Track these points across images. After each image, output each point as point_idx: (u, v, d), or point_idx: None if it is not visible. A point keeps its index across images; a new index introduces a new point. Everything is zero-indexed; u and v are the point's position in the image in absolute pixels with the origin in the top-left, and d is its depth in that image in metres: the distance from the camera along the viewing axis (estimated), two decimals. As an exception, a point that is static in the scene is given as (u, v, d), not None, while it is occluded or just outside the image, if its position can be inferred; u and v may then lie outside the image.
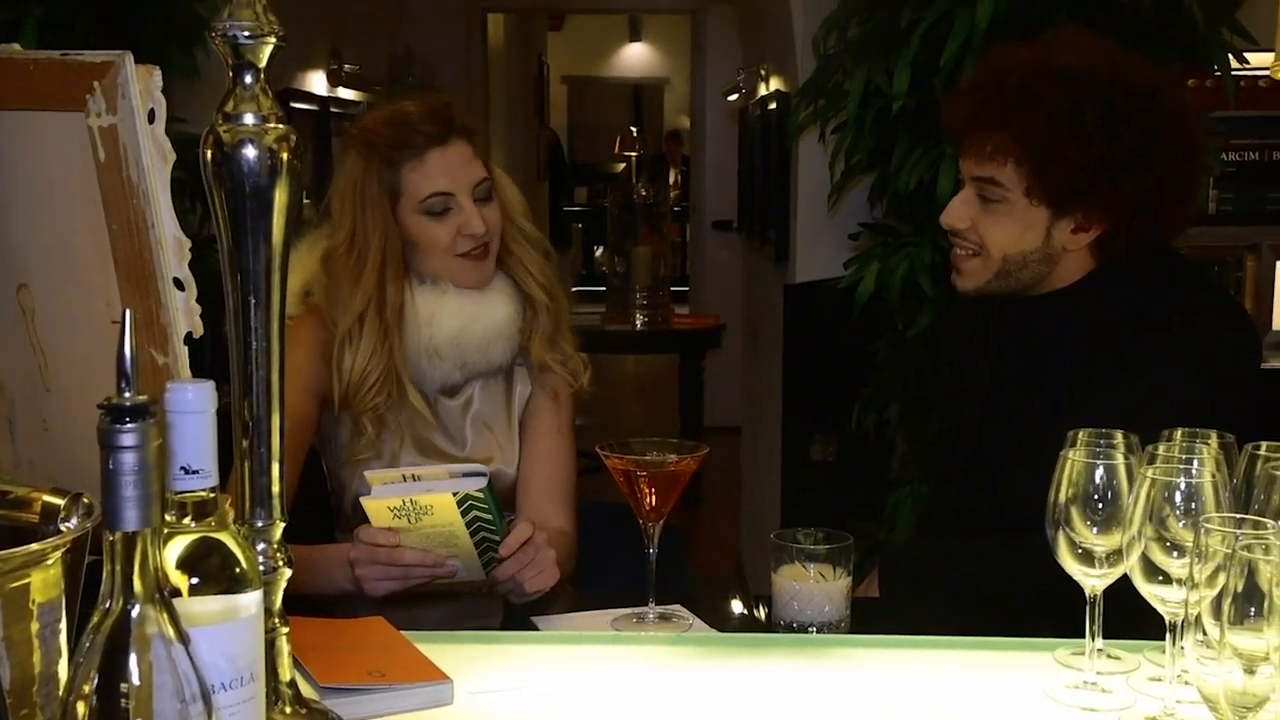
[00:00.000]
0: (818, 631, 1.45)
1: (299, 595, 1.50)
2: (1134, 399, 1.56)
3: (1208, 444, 1.25)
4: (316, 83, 4.56)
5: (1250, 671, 0.89)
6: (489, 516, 1.59)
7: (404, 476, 1.61)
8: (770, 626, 1.49)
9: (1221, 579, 0.92)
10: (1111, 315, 1.66)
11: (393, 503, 1.57)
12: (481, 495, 1.57)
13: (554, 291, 1.97)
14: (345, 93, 4.84)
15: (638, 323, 5.77)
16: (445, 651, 1.35)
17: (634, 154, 10.54)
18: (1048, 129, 1.58)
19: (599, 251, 11.43)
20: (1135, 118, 1.59)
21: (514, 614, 1.63)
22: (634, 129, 11.41)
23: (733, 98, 6.52)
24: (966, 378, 1.85)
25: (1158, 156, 1.60)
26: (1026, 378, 1.73)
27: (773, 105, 4.52)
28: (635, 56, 13.47)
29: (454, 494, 1.56)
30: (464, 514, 1.57)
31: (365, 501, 1.60)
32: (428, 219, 1.85)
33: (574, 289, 9.70)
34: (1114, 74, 1.61)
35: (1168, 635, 1.19)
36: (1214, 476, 1.13)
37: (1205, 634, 0.95)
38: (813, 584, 1.47)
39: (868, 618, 1.51)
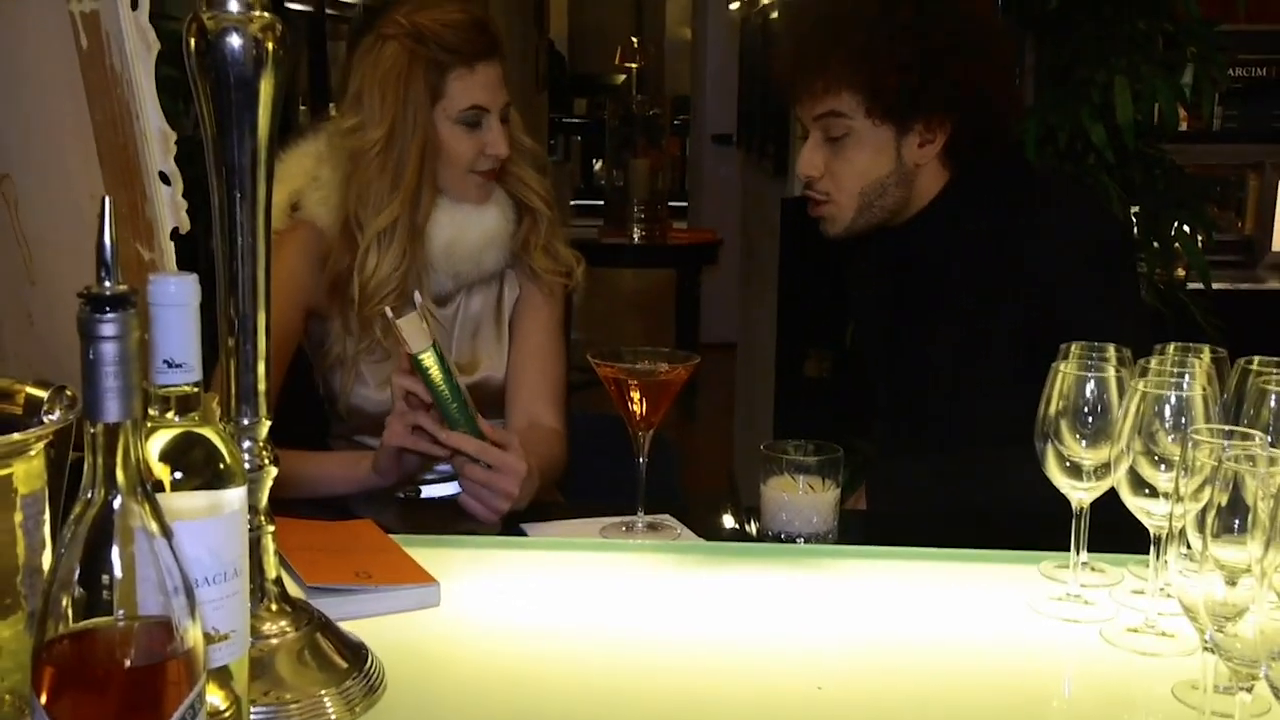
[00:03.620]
0: (805, 542, 1.46)
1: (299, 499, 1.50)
2: (1033, 298, 1.64)
3: (1200, 358, 1.25)
4: (311, -16, 4.46)
5: (1231, 583, 0.89)
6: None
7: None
8: (759, 537, 1.50)
9: (1207, 492, 0.92)
10: (982, 222, 1.72)
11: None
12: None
13: (551, 201, 1.98)
14: (340, -6, 4.74)
15: (635, 236, 5.74)
16: (433, 555, 1.36)
17: (634, 65, 10.39)
18: (867, 43, 1.65)
19: (597, 164, 11.33)
20: (941, 14, 1.67)
21: (504, 521, 1.64)
22: (635, 39, 11.23)
23: (734, 6, 6.43)
24: (876, 315, 1.90)
25: (973, 45, 1.68)
26: (924, 303, 1.78)
27: (775, 15, 4.45)
28: (637, -35, 13.24)
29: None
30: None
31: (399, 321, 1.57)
32: (460, 130, 1.83)
33: (571, 202, 9.64)
34: None
35: (1152, 549, 1.19)
36: (1204, 390, 1.13)
37: (1189, 547, 0.95)
38: (801, 495, 1.47)
39: (855, 529, 1.52)
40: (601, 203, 6.60)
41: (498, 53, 1.86)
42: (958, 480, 1.68)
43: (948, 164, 1.73)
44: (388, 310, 1.63)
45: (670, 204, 6.17)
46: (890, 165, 1.71)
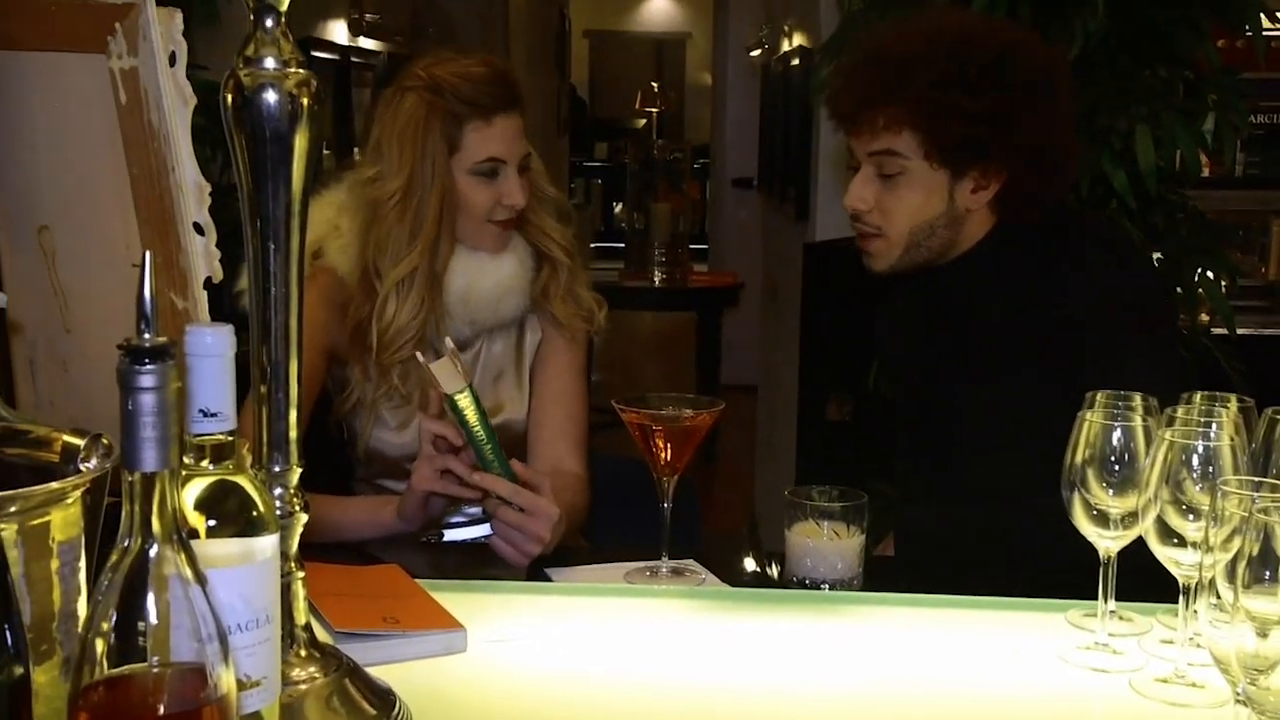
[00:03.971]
0: (830, 589, 1.46)
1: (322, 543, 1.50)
2: (1067, 346, 1.62)
3: (1227, 407, 1.24)
4: (337, 32, 4.53)
5: (1263, 634, 0.89)
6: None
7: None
8: (783, 583, 1.50)
9: (1237, 542, 0.92)
10: (1024, 267, 1.70)
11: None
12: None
13: (572, 251, 1.99)
14: (366, 42, 4.80)
15: (656, 279, 5.75)
16: (460, 600, 1.36)
17: (655, 110, 10.46)
18: (935, 90, 1.62)
19: (618, 207, 11.38)
20: (1012, 69, 1.64)
21: (529, 566, 1.64)
22: (655, 84, 11.32)
23: (755, 53, 6.48)
24: (906, 356, 1.88)
25: (1039, 102, 1.65)
26: (958, 346, 1.77)
27: (795, 61, 4.49)
28: (657, 10, 13.36)
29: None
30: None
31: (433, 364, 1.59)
32: (476, 180, 1.85)
33: (592, 245, 9.68)
34: (985, 33, 1.68)
35: (1181, 598, 1.19)
36: (1232, 440, 1.13)
37: (1219, 597, 0.95)
38: (826, 541, 1.47)
39: (881, 576, 1.51)
40: (622, 245, 6.61)
41: (517, 105, 1.87)
42: (985, 527, 1.68)
43: (996, 209, 1.72)
44: (419, 354, 1.64)
45: (691, 247, 6.19)
46: (941, 207, 1.69)
